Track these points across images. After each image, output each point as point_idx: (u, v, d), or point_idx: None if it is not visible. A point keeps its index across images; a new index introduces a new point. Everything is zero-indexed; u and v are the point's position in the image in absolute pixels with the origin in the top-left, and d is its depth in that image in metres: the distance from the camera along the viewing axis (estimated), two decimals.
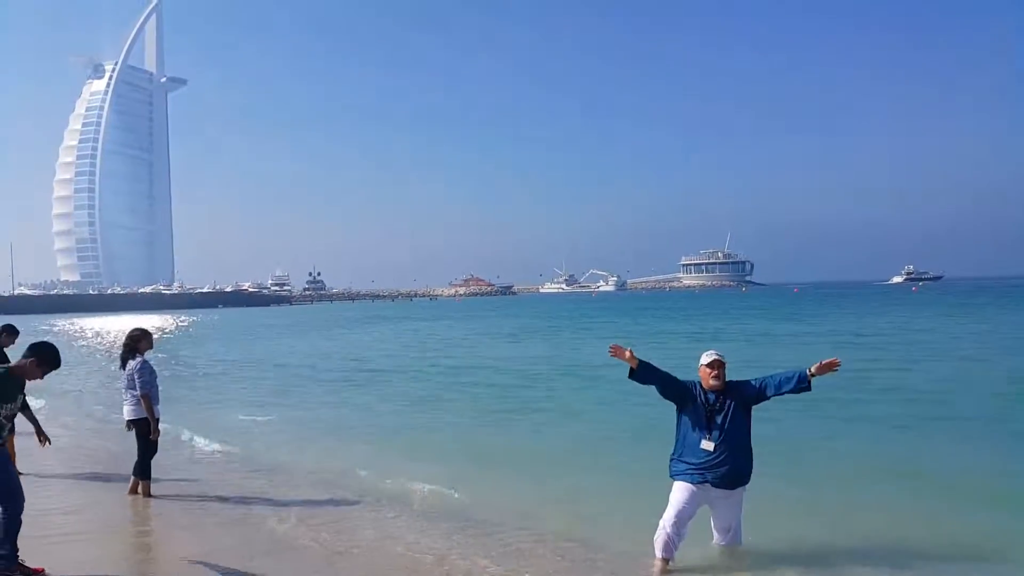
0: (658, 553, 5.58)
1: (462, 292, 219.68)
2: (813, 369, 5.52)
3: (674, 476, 5.71)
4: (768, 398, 5.70)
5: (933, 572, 5.62)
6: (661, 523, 5.60)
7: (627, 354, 5.60)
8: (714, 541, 5.87)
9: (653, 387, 5.79)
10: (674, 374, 5.80)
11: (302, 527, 6.70)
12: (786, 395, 5.67)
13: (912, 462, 8.81)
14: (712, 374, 5.67)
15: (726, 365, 5.72)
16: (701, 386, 5.75)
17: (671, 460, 5.79)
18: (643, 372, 5.72)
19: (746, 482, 5.66)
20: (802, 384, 5.59)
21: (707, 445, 5.55)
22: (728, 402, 5.65)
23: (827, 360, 5.51)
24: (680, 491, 5.62)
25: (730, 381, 5.76)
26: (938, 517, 6.79)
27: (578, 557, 5.95)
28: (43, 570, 5.49)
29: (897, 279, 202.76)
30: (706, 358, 5.74)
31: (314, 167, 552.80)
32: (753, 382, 5.76)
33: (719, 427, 5.57)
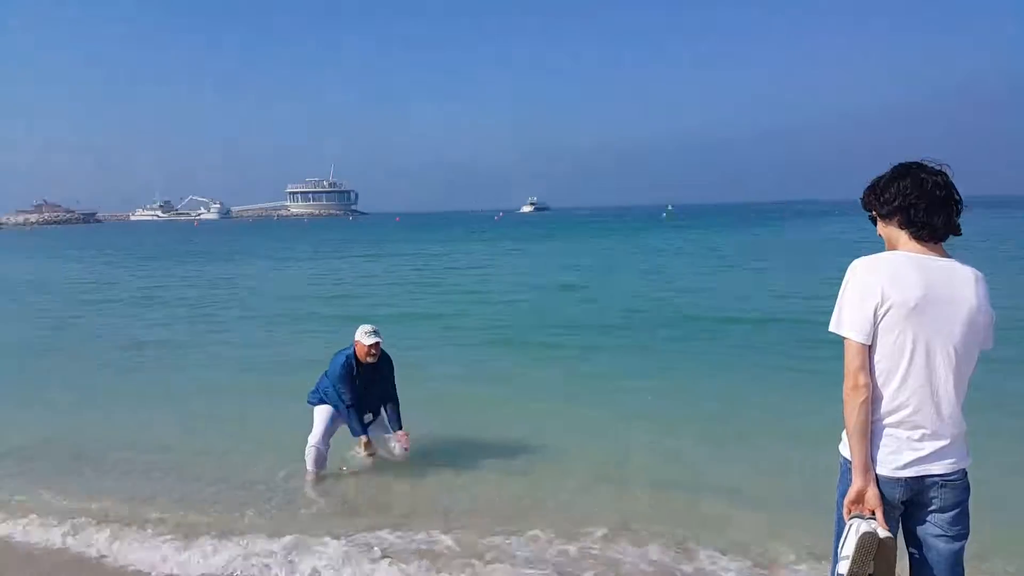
0: (310, 467, 6.15)
1: (34, 220, 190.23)
2: (394, 437, 6.25)
3: (315, 403, 6.28)
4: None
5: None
6: (309, 440, 6.14)
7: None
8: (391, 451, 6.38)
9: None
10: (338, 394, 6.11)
11: None
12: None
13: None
14: (370, 353, 6.06)
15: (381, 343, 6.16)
16: (357, 359, 6.10)
17: (311, 394, 6.35)
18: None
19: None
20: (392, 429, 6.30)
21: (362, 442, 6.16)
22: (378, 376, 6.21)
23: (401, 441, 6.21)
24: (323, 412, 6.19)
25: (383, 352, 6.24)
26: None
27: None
28: None
29: (526, 208, 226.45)
30: (367, 338, 6.04)
31: None
32: (393, 383, 6.34)
33: (369, 394, 6.19)
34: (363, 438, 6.16)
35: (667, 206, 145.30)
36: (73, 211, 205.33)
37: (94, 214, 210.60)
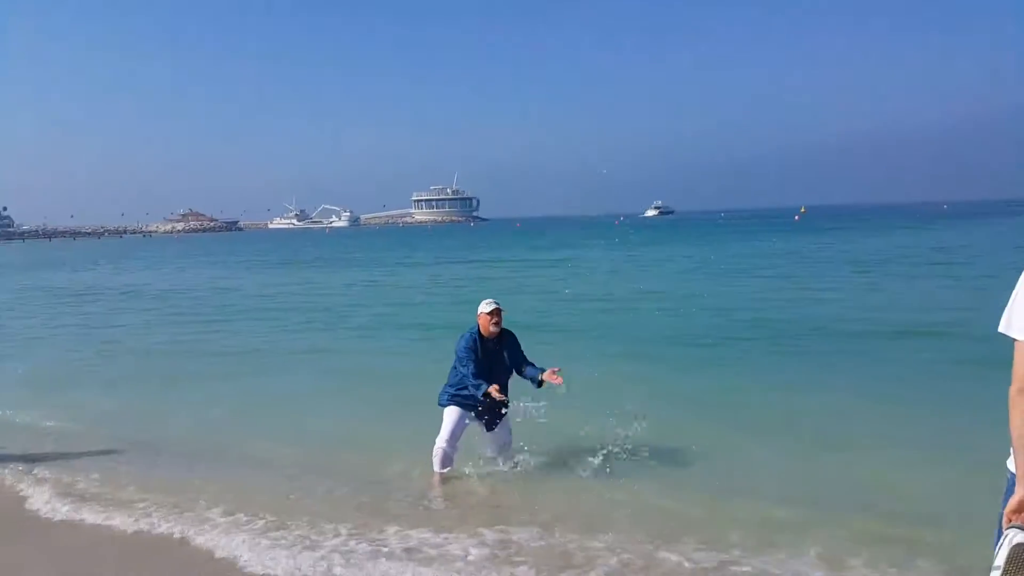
0: (437, 468, 6.29)
1: (180, 228, 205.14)
2: (543, 376, 6.04)
3: (445, 404, 6.32)
4: (519, 375, 6.28)
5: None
6: (437, 441, 6.25)
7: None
8: (489, 454, 6.53)
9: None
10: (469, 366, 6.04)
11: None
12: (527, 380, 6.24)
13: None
14: (492, 321, 6.13)
15: (503, 312, 6.20)
16: (480, 334, 6.17)
17: (440, 394, 6.36)
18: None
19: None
20: (537, 383, 6.11)
21: (493, 390, 5.85)
22: (503, 350, 6.22)
23: (553, 376, 5.97)
24: (452, 413, 6.25)
25: (505, 328, 6.27)
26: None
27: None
28: None
29: (651, 212, 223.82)
30: (487, 307, 6.15)
31: None
32: (522, 352, 6.30)
33: (495, 370, 6.10)
34: (493, 390, 5.84)
35: (800, 208, 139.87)
36: (216, 220, 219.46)
37: (236, 222, 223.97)
